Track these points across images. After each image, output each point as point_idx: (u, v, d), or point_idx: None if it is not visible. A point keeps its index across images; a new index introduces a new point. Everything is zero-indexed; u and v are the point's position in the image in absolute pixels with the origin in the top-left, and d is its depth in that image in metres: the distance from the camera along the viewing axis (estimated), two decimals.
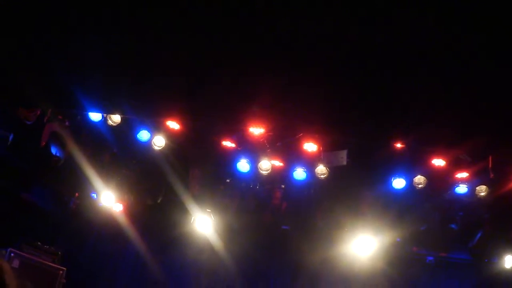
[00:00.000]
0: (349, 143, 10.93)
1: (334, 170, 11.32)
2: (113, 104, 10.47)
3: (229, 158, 11.79)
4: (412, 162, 11.21)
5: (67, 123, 11.60)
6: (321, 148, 11.06)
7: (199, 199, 12.87)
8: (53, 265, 11.65)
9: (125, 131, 11.71)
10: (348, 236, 12.86)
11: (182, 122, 11.17)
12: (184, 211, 13.23)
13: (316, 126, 10.18)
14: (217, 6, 7.21)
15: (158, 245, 14.46)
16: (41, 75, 9.14)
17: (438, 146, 10.61)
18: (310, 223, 12.84)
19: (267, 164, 11.50)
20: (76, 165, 12.22)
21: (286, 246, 14.18)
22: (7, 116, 11.14)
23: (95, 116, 11.37)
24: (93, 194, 13.34)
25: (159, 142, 11.56)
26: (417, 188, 11.44)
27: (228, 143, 11.56)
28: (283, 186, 12.46)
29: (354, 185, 12.08)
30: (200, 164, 12.44)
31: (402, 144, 10.55)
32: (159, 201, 12.96)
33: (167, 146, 11.61)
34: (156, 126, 11.52)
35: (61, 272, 11.43)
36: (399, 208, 12.21)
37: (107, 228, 13.93)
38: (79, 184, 13.12)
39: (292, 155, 11.38)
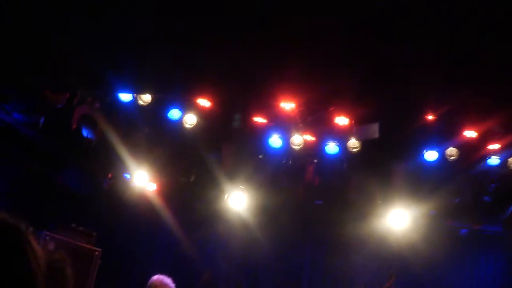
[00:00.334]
0: (381, 115, 10.90)
1: (366, 144, 11.31)
2: (143, 83, 10.50)
3: (261, 134, 11.83)
4: (444, 134, 11.17)
5: (97, 105, 11.64)
6: (352, 122, 11.04)
7: (232, 176, 12.93)
8: (89, 246, 11.72)
9: (156, 110, 11.76)
10: (381, 209, 12.83)
11: (212, 99, 11.18)
12: (217, 188, 13.29)
13: (348, 99, 10.14)
14: None
15: (192, 223, 14.50)
16: (70, 57, 9.17)
17: (469, 118, 10.53)
18: (343, 198, 12.84)
19: (299, 139, 11.49)
20: (108, 146, 12.29)
21: (320, 221, 14.19)
22: (37, 100, 11.21)
23: (125, 97, 11.40)
24: (126, 175, 13.42)
25: (190, 120, 11.61)
26: (449, 160, 11.39)
27: (259, 119, 11.58)
28: (315, 160, 12.44)
29: (386, 158, 12.04)
30: (232, 141, 12.47)
31: (433, 116, 10.49)
32: (192, 179, 13.02)
33: (198, 124, 11.65)
34: (187, 104, 11.56)
35: (96, 253, 11.48)
36: (433, 181, 12.15)
37: (141, 208, 13.99)
38: (112, 165, 13.21)
39: (323, 129, 11.36)
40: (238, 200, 13.38)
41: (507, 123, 10.47)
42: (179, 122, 11.67)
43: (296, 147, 11.54)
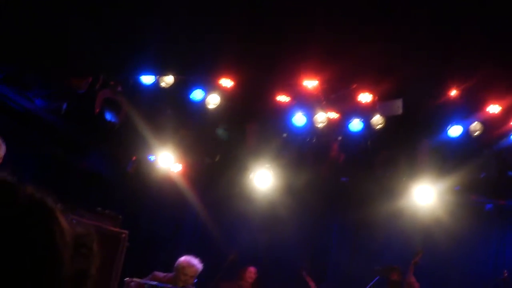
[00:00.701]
0: (404, 91, 10.86)
1: (390, 120, 11.29)
2: (166, 65, 10.52)
3: (285, 112, 11.82)
4: (468, 109, 11.12)
5: (119, 88, 11.67)
6: (376, 98, 11.00)
7: (256, 155, 12.95)
8: (115, 229, 11.77)
9: (179, 91, 11.78)
10: (407, 185, 12.81)
11: (235, 79, 11.18)
12: (243, 167, 13.33)
13: (370, 76, 10.13)
14: None
15: (218, 203, 14.56)
16: (92, 41, 9.20)
17: (493, 92, 10.48)
18: (368, 174, 12.83)
19: (322, 117, 11.48)
20: (131, 129, 12.33)
21: (346, 198, 14.21)
22: (59, 86, 11.25)
23: (147, 79, 11.42)
24: (150, 157, 13.48)
25: (213, 100, 11.62)
26: (474, 136, 11.34)
27: (283, 97, 11.57)
28: (339, 138, 12.43)
29: (410, 134, 12.01)
30: (256, 120, 12.47)
31: (457, 91, 10.44)
32: (217, 159, 13.06)
33: (221, 104, 11.67)
34: (209, 85, 11.57)
35: (123, 235, 11.53)
36: (457, 156, 12.11)
37: (166, 190, 14.06)
38: (136, 147, 13.26)
39: (347, 106, 11.32)
40: (263, 180, 13.40)
41: None
42: (202, 102, 11.70)
43: (320, 125, 11.53)
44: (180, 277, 10.60)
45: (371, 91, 10.91)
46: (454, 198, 13.05)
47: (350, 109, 11.39)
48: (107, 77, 11.43)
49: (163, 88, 11.42)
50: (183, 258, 10.79)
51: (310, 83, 10.72)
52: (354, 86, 10.84)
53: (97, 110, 11.74)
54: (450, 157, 12.16)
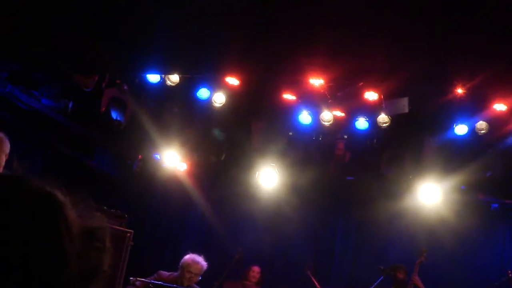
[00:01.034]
0: (410, 90, 10.85)
1: (396, 118, 11.27)
2: (172, 64, 10.51)
3: (290, 110, 11.83)
4: (474, 108, 11.10)
5: (125, 87, 11.67)
6: (382, 97, 10.99)
7: (262, 154, 12.95)
8: (121, 228, 11.76)
9: (185, 90, 11.79)
10: (412, 184, 12.79)
11: (241, 78, 11.17)
12: (248, 166, 13.34)
13: (376, 74, 10.10)
14: None
15: (223, 201, 14.57)
16: (98, 40, 9.19)
17: (499, 91, 10.44)
18: (374, 173, 12.82)
19: (328, 115, 11.47)
20: (137, 128, 12.34)
21: (351, 196, 14.21)
22: (66, 85, 11.26)
23: (153, 78, 11.42)
24: (156, 156, 13.49)
25: (219, 99, 11.63)
26: (479, 134, 11.32)
27: (288, 96, 11.56)
28: (345, 136, 12.44)
29: (416, 133, 12.01)
30: (262, 119, 12.48)
31: (463, 89, 10.41)
32: (222, 158, 13.05)
33: (227, 103, 11.67)
34: (215, 83, 11.58)
35: (128, 234, 11.52)
36: (463, 155, 12.09)
37: (172, 189, 14.08)
38: (142, 146, 13.28)
39: (353, 104, 11.32)
40: (269, 178, 13.39)
41: None
42: (208, 101, 11.71)
43: (326, 123, 11.53)
44: (185, 275, 10.63)
45: (377, 90, 10.88)
46: (460, 197, 13.01)
47: (356, 107, 11.38)
48: (113, 76, 11.44)
49: (169, 87, 11.42)
50: (188, 256, 10.82)
51: (316, 82, 10.69)
52: (360, 84, 10.82)
53: (103, 109, 11.75)
54: (456, 156, 12.15)
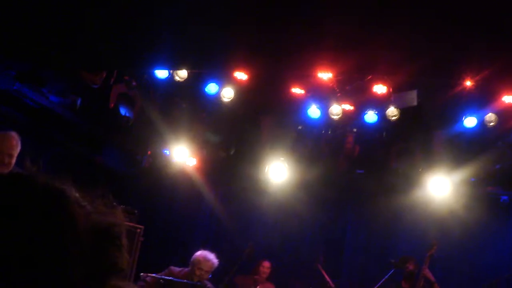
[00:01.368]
0: (418, 82, 10.82)
1: (404, 111, 11.25)
2: (180, 59, 10.50)
3: (299, 104, 11.81)
4: (483, 100, 11.07)
5: (134, 83, 11.67)
6: (390, 90, 10.97)
7: (271, 148, 12.95)
8: (131, 224, 11.77)
9: (193, 85, 11.78)
10: (422, 177, 12.77)
11: (249, 72, 11.15)
12: (258, 161, 13.33)
13: (385, 67, 10.08)
14: None
15: (233, 197, 14.58)
16: (105, 36, 9.19)
17: (508, 83, 10.41)
18: (384, 166, 12.81)
19: (337, 109, 11.45)
20: (146, 124, 12.36)
21: (361, 190, 14.19)
22: (74, 81, 11.26)
23: (161, 73, 11.42)
24: (165, 151, 13.50)
25: (227, 93, 11.63)
26: (489, 126, 11.29)
27: (297, 90, 11.55)
28: (354, 130, 12.44)
29: (425, 126, 11.99)
30: (271, 113, 12.48)
31: (471, 81, 10.38)
32: (232, 152, 13.06)
33: (236, 97, 11.67)
34: (223, 78, 11.57)
35: (139, 230, 11.54)
36: (472, 148, 12.06)
37: (181, 184, 14.09)
38: (151, 142, 13.30)
39: (362, 98, 11.30)
40: (278, 172, 13.38)
41: None
42: (217, 96, 11.71)
43: (335, 117, 11.50)
44: (196, 271, 10.62)
45: (385, 83, 10.87)
46: (469, 190, 12.98)
47: (364, 101, 11.36)
48: (121, 72, 11.44)
49: (178, 82, 11.41)
50: (199, 253, 10.80)
51: (325, 75, 10.67)
52: (369, 77, 10.80)
53: (112, 105, 11.76)
54: (465, 149, 12.11)
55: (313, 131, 12.59)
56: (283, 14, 8.35)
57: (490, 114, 11.16)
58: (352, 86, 11.07)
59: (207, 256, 10.72)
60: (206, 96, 11.83)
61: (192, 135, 12.81)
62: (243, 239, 13.60)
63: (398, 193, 13.29)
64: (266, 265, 13.14)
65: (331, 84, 10.95)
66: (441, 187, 12.71)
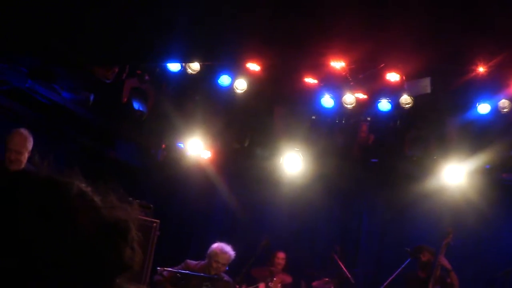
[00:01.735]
0: (431, 70, 10.78)
1: (418, 99, 11.22)
2: (192, 51, 10.49)
3: (313, 94, 11.81)
4: (496, 86, 11.03)
5: (146, 77, 11.68)
6: (404, 77, 10.94)
7: (286, 139, 12.94)
8: (147, 218, 11.76)
9: (206, 78, 11.79)
10: (436, 165, 12.75)
11: (262, 63, 11.14)
12: (272, 152, 13.35)
13: (398, 55, 10.04)
14: None
15: (248, 188, 14.58)
16: (116, 31, 9.18)
17: None
18: (398, 154, 12.79)
19: (351, 98, 11.43)
20: (160, 117, 12.38)
21: (376, 179, 14.18)
22: (86, 77, 11.28)
23: (174, 67, 11.42)
24: (179, 144, 13.51)
25: (240, 85, 11.63)
26: (503, 113, 11.25)
27: (310, 80, 11.53)
28: (368, 118, 12.42)
29: (439, 113, 11.96)
30: (284, 103, 12.48)
31: (484, 68, 10.34)
32: (246, 144, 13.07)
33: (249, 89, 11.66)
34: (236, 70, 11.57)
35: (154, 224, 11.54)
36: (487, 134, 12.02)
37: (196, 177, 14.10)
38: (165, 135, 13.32)
39: (375, 86, 11.28)
40: (293, 163, 13.40)
41: None
42: (230, 88, 11.71)
43: (349, 106, 11.49)
44: (213, 264, 10.63)
45: (398, 71, 10.84)
46: (484, 177, 12.93)
47: (378, 89, 11.34)
48: (133, 66, 11.45)
49: (190, 75, 11.41)
50: (216, 245, 10.81)
51: (337, 64, 10.65)
52: (382, 65, 10.76)
53: (125, 100, 11.76)
54: (479, 135, 12.07)
55: (327, 120, 12.58)
56: (295, 4, 8.34)
57: (503, 100, 11.12)
58: (365, 75, 11.03)
59: (223, 248, 10.73)
60: (219, 88, 11.83)
61: (206, 128, 12.81)
62: (259, 231, 13.60)
63: (412, 181, 13.25)
64: (281, 256, 13.14)
65: (344, 73, 10.93)
66: (455, 175, 12.69)
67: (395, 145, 12.63)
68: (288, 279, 13.00)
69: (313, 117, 12.56)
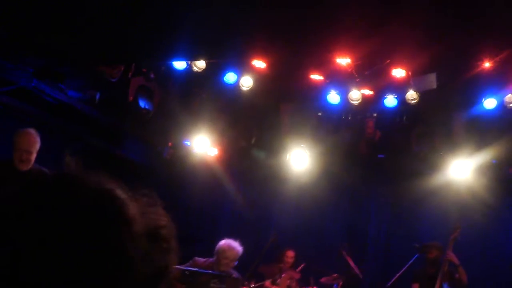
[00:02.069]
0: (437, 65, 10.77)
1: (424, 94, 11.21)
2: (198, 49, 10.49)
3: (319, 91, 11.80)
4: (502, 81, 11.01)
5: (152, 75, 11.69)
6: (409, 73, 10.92)
7: (292, 136, 12.95)
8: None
9: (212, 75, 11.79)
10: (443, 160, 12.73)
11: (268, 60, 11.14)
12: (279, 149, 13.35)
13: (403, 51, 10.04)
14: None
15: (255, 185, 14.59)
16: (122, 30, 9.19)
17: None
18: (405, 150, 12.77)
19: (357, 94, 11.43)
20: (166, 115, 12.38)
21: (383, 175, 14.17)
22: (92, 76, 11.29)
23: (179, 65, 11.43)
24: (186, 142, 13.52)
25: (246, 82, 11.63)
26: (509, 107, 11.23)
27: (316, 76, 11.52)
28: (375, 114, 12.41)
29: (445, 108, 11.94)
30: (290, 100, 12.48)
31: (490, 63, 10.32)
32: (252, 141, 13.08)
33: (255, 86, 11.67)
34: (242, 67, 11.57)
35: None
36: (493, 129, 12.00)
37: (203, 174, 14.11)
38: (171, 133, 13.32)
39: (381, 82, 11.26)
40: (299, 160, 13.40)
41: None
42: (236, 85, 11.72)
43: (355, 102, 11.50)
44: (221, 261, 10.62)
45: (404, 66, 10.82)
46: (491, 171, 12.91)
47: (384, 85, 11.33)
48: (139, 65, 11.46)
49: (196, 73, 11.42)
50: (223, 242, 10.81)
51: (343, 61, 10.64)
52: (387, 61, 10.75)
53: (131, 98, 11.77)
54: (486, 130, 12.06)
55: (333, 117, 12.59)
56: (301, 1, 8.34)
57: (510, 95, 11.12)
58: (371, 71, 11.02)
59: (231, 244, 10.73)
60: (225, 86, 11.84)
61: (212, 125, 12.82)
62: (266, 228, 13.61)
63: (419, 177, 13.24)
64: (290, 254, 13.13)
65: (349, 70, 10.91)
66: (462, 170, 12.67)
67: (402, 141, 12.61)
68: (296, 275, 13.00)
69: (319, 114, 12.57)
